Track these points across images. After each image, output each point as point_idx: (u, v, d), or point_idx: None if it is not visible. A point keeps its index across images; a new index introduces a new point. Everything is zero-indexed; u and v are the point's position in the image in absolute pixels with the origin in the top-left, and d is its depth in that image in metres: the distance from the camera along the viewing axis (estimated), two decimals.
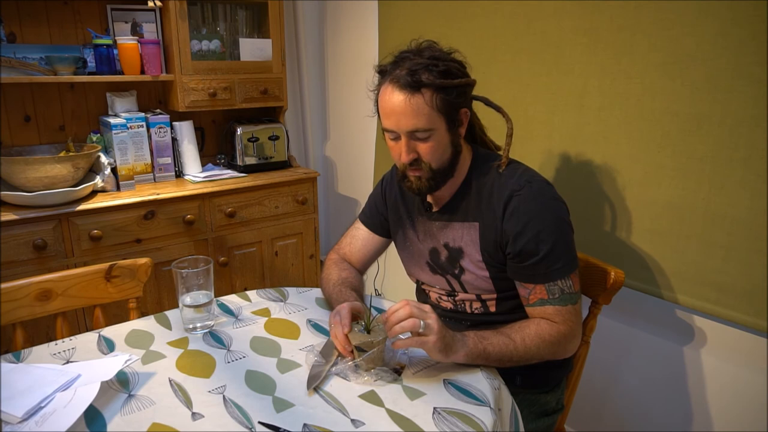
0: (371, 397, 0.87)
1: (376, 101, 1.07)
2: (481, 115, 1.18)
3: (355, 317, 0.99)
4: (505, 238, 1.04)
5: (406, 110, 0.99)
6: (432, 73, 0.99)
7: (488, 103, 1.14)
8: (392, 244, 1.32)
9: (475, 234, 1.09)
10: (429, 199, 1.16)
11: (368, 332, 0.95)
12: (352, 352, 0.94)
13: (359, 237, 1.30)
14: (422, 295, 1.27)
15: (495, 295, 1.12)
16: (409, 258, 1.24)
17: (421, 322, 0.89)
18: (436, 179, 1.06)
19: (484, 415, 0.83)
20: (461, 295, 1.15)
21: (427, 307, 0.92)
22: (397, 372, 0.93)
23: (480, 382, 0.92)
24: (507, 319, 1.11)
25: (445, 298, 1.19)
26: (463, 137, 1.10)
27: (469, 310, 1.16)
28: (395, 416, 0.83)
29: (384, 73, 1.05)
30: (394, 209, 1.25)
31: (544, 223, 1.02)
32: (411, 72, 0.99)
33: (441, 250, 1.14)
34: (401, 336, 0.94)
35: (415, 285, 1.31)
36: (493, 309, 1.14)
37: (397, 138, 1.04)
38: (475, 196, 1.09)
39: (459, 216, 1.11)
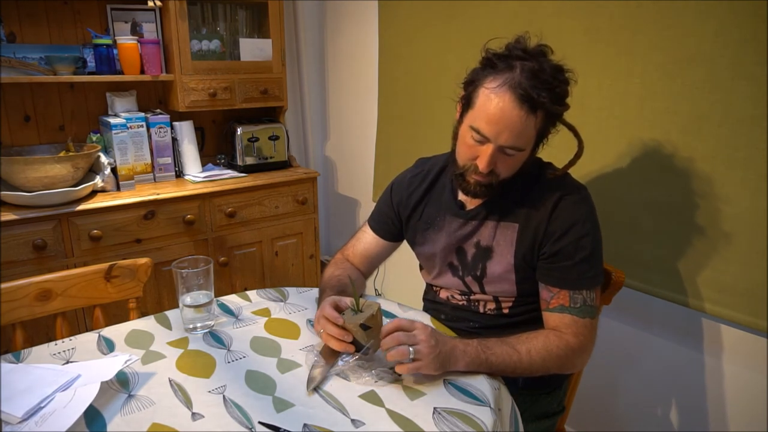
0: (371, 397, 0.87)
1: (472, 90, 0.99)
2: None
3: (338, 310, 0.98)
4: (546, 238, 1.03)
5: (515, 127, 0.94)
6: (551, 95, 0.92)
7: (562, 120, 1.03)
8: (397, 248, 1.32)
9: (512, 235, 1.07)
10: (461, 197, 1.14)
11: (361, 311, 0.94)
12: (352, 342, 0.93)
13: (363, 240, 1.29)
14: (431, 293, 1.27)
15: (513, 298, 1.11)
16: (429, 259, 1.21)
17: (410, 349, 0.88)
18: (496, 187, 1.04)
19: (484, 415, 0.83)
20: (477, 295, 1.14)
21: (418, 325, 0.91)
22: (397, 372, 0.93)
23: (480, 382, 0.92)
24: (517, 322, 1.11)
25: (457, 296, 1.18)
26: None
27: (481, 310, 1.15)
28: (395, 416, 0.83)
29: (494, 65, 0.96)
30: (414, 211, 1.21)
31: (586, 229, 1.01)
32: (534, 87, 0.91)
33: (469, 249, 1.12)
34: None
35: (416, 284, 1.30)
36: (506, 311, 1.13)
37: (483, 142, 0.98)
38: (517, 198, 1.07)
39: (495, 216, 1.09)
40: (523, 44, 0.97)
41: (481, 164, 0.99)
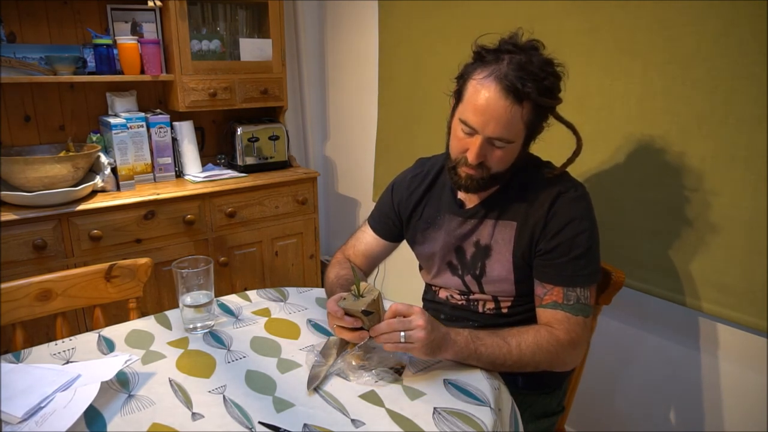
0: (371, 397, 0.87)
1: (462, 84, 1.00)
2: None
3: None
4: (543, 235, 1.03)
5: (501, 118, 0.94)
6: (539, 86, 0.93)
7: (558, 117, 1.04)
8: (397, 247, 1.32)
9: (511, 233, 1.07)
10: (461, 196, 1.14)
11: (362, 296, 0.94)
12: (361, 328, 0.93)
13: (363, 240, 1.29)
14: (430, 292, 1.27)
15: (512, 298, 1.11)
16: (429, 259, 1.21)
17: (401, 334, 0.88)
18: (487, 182, 1.04)
19: (484, 415, 0.83)
20: (476, 295, 1.15)
21: (415, 310, 0.91)
22: (397, 372, 0.93)
23: (480, 382, 0.92)
24: (516, 321, 1.10)
25: (456, 296, 1.18)
26: None
27: (480, 310, 1.15)
28: (395, 416, 0.83)
29: (483, 59, 0.97)
30: (414, 210, 1.22)
31: (583, 227, 1.01)
32: (520, 78, 0.92)
33: (468, 248, 1.12)
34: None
35: (416, 284, 1.30)
36: (505, 311, 1.13)
37: (472, 134, 0.99)
38: (515, 196, 1.07)
39: (494, 214, 1.09)
40: (514, 39, 0.98)
41: (470, 156, 1.00)
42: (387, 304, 1.19)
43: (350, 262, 1.22)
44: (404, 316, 0.91)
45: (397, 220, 1.25)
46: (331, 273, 1.21)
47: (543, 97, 0.95)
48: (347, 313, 0.93)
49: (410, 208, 1.22)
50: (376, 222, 1.28)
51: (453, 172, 1.06)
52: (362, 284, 0.96)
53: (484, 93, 0.95)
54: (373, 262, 1.30)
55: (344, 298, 0.95)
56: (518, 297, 1.11)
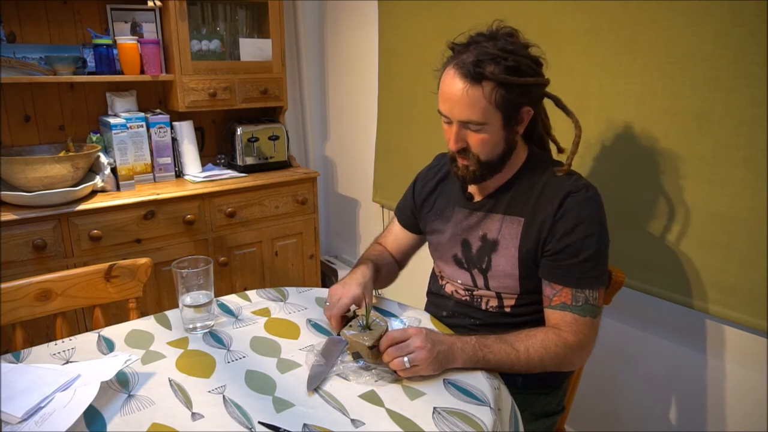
0: (371, 397, 0.87)
1: (439, 79, 1.06)
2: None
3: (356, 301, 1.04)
4: (552, 235, 1.03)
5: (462, 100, 0.98)
6: (498, 66, 0.96)
7: (559, 104, 1.08)
8: (424, 242, 1.35)
9: (518, 229, 1.08)
10: (470, 189, 1.16)
11: (369, 329, 0.96)
12: (355, 353, 0.96)
13: (392, 231, 1.35)
14: (436, 285, 1.27)
15: (516, 295, 1.11)
16: (436, 249, 1.24)
17: (405, 359, 0.89)
18: (483, 171, 1.06)
19: (484, 415, 0.83)
20: (481, 291, 1.15)
21: (411, 332, 0.92)
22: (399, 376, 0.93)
23: (480, 382, 0.92)
24: (518, 322, 1.11)
25: (461, 291, 1.19)
26: (522, 133, 1.08)
27: (483, 307, 1.15)
28: (395, 416, 0.83)
29: (453, 52, 1.04)
30: (426, 201, 1.26)
31: (592, 229, 1.02)
32: (476, 62, 0.96)
33: (474, 241, 1.14)
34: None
35: (417, 283, 1.32)
36: (508, 309, 1.13)
37: (450, 123, 1.04)
38: (524, 193, 1.09)
39: (501, 209, 1.10)
40: (487, 31, 1.03)
41: (451, 142, 1.04)
42: (387, 304, 1.20)
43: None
44: (402, 341, 0.92)
45: (416, 210, 1.29)
46: (369, 249, 1.34)
47: (505, 75, 0.96)
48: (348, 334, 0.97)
49: (423, 197, 1.26)
50: (400, 212, 1.34)
51: (452, 163, 1.10)
52: (372, 314, 0.99)
53: (446, 81, 1.01)
54: (402, 252, 1.36)
55: (350, 326, 0.98)
56: (522, 295, 1.11)
